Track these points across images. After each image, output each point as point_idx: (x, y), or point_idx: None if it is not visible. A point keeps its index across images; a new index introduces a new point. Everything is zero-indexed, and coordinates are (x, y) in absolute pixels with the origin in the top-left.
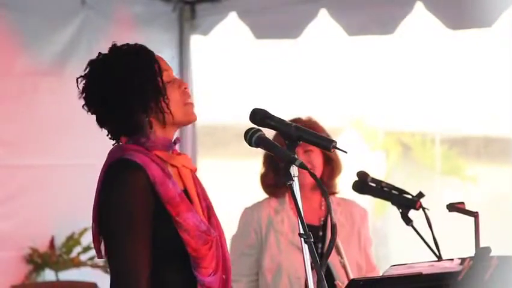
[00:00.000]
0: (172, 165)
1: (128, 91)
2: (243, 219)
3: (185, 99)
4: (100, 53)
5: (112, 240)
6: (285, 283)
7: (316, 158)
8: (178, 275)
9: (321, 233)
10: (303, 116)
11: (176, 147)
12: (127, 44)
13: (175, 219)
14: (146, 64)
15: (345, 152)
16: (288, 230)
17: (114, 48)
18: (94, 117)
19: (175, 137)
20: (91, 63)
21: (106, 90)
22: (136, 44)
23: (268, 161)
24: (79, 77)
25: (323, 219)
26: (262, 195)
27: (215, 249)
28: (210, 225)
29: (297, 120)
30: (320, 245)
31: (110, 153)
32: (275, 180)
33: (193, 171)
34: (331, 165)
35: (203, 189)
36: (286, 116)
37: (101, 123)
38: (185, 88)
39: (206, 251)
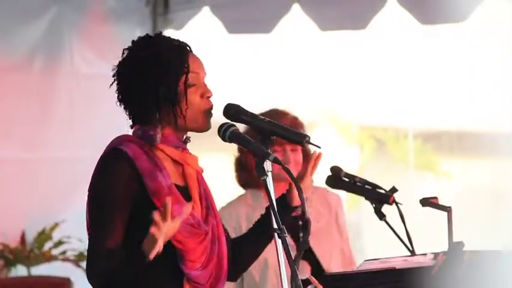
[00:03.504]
0: (176, 162)
1: (144, 86)
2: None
3: (204, 107)
4: (146, 34)
5: (89, 225)
6: (273, 278)
7: (300, 155)
8: (164, 268)
9: (300, 222)
10: (283, 109)
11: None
12: (168, 37)
13: (160, 210)
14: (171, 65)
15: (319, 147)
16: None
17: (157, 36)
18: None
19: (185, 137)
20: (133, 42)
21: (129, 74)
22: (175, 41)
23: (239, 158)
24: (125, 48)
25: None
26: (233, 191)
27: (208, 244)
28: (205, 222)
29: (275, 110)
30: (301, 234)
31: (110, 143)
32: (249, 176)
33: (199, 172)
34: (307, 161)
35: (206, 190)
36: (260, 110)
37: (122, 103)
38: (208, 97)
39: (194, 244)
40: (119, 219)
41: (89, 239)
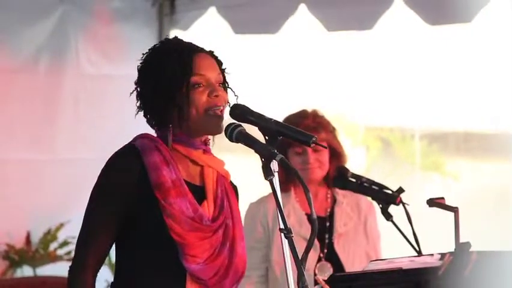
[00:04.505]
0: (194, 162)
1: (149, 90)
2: (249, 214)
3: (208, 105)
4: (160, 41)
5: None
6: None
7: (324, 155)
8: (166, 261)
9: (328, 224)
10: (309, 108)
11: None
12: (172, 41)
13: (161, 203)
14: (173, 68)
15: (325, 148)
16: (295, 222)
17: (163, 42)
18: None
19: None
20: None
21: (139, 80)
22: (181, 43)
23: None
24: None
25: (329, 210)
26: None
27: (215, 243)
28: (213, 221)
29: (301, 112)
30: (326, 236)
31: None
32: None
33: (224, 175)
34: (336, 159)
35: (226, 192)
36: (266, 110)
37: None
38: (215, 96)
39: (195, 239)
40: (108, 219)
41: (80, 231)
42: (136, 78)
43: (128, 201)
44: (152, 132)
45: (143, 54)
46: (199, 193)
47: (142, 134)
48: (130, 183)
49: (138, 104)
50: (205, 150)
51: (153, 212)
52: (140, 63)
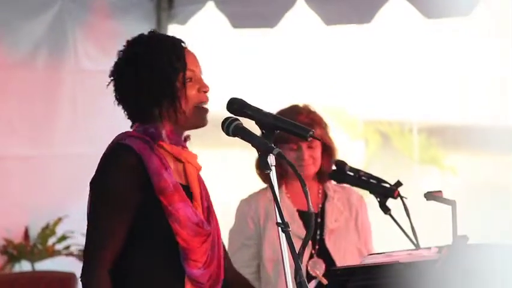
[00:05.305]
0: (178, 160)
1: (144, 83)
2: (239, 211)
3: (198, 101)
4: (140, 34)
5: (90, 213)
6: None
7: (317, 152)
8: (167, 265)
9: (319, 220)
10: (300, 103)
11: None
12: (161, 34)
13: (166, 208)
14: (170, 60)
15: (320, 140)
16: (287, 218)
17: (151, 34)
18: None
19: (185, 135)
20: (127, 42)
21: (127, 72)
22: (169, 37)
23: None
24: (120, 50)
25: (320, 205)
26: (237, 186)
27: (209, 245)
28: (207, 223)
29: (294, 107)
30: (318, 232)
31: (115, 138)
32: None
33: (198, 170)
34: (327, 154)
35: (206, 190)
36: (264, 105)
37: (120, 102)
38: (204, 92)
39: (198, 244)
40: (120, 217)
41: (88, 235)
42: (117, 69)
43: (135, 204)
44: None
45: (121, 50)
46: (186, 193)
47: (128, 133)
48: (136, 188)
49: (118, 96)
50: (183, 146)
51: (158, 217)
52: (128, 55)
